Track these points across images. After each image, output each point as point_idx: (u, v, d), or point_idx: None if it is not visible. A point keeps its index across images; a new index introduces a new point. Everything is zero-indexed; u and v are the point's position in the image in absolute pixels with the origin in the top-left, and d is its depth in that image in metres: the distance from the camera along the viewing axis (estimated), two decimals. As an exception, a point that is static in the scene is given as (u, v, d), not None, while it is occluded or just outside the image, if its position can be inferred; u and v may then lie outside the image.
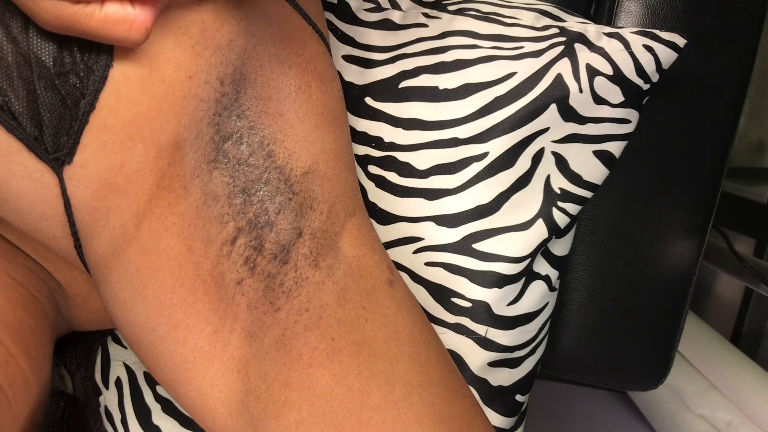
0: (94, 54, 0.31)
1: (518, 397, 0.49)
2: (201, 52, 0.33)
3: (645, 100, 0.46)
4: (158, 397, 0.49)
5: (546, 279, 0.49)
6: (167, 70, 0.32)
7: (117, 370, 0.51)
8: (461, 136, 0.45)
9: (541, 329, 0.50)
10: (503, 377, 0.48)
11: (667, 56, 0.45)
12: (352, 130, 0.47)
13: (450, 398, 0.37)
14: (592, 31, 0.46)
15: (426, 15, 0.48)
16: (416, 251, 0.46)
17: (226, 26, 0.34)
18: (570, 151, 0.46)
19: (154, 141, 0.33)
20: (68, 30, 0.27)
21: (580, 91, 0.44)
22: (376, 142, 0.46)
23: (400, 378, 0.36)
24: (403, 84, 0.46)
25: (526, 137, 0.45)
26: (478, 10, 0.48)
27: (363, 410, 0.34)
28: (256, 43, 0.35)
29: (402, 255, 0.46)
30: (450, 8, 0.49)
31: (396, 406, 0.35)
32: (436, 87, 0.45)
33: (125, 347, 0.52)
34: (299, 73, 0.38)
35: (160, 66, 0.32)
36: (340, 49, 0.48)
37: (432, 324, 0.45)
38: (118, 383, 0.50)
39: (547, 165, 0.46)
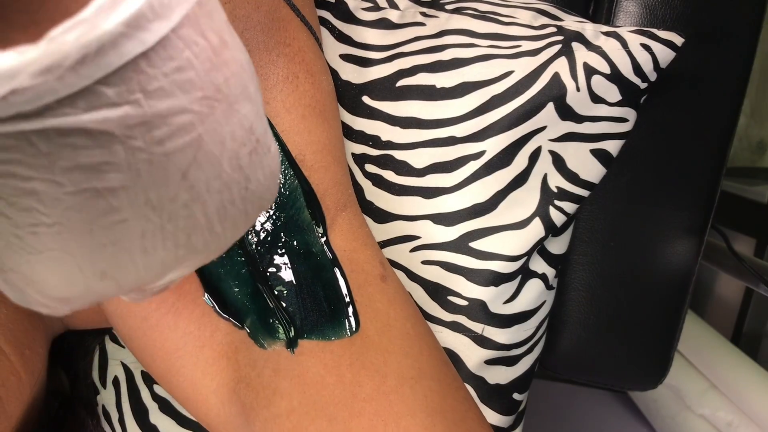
0: None
1: (516, 396, 0.49)
2: None
3: (643, 99, 0.46)
4: (155, 396, 0.49)
5: (542, 277, 0.49)
6: None
7: (114, 369, 0.51)
8: (458, 135, 0.45)
9: (538, 328, 0.50)
10: (500, 375, 0.48)
11: (665, 55, 0.45)
12: (349, 128, 0.47)
13: (443, 391, 0.37)
14: (590, 30, 0.46)
15: (423, 14, 0.48)
16: (413, 250, 0.46)
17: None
18: (567, 150, 0.46)
19: None
20: None
21: (578, 89, 0.44)
22: (373, 141, 0.46)
23: (392, 370, 0.36)
24: (401, 83, 0.46)
25: (523, 136, 0.44)
26: (475, 9, 0.48)
27: (355, 401, 0.34)
28: (243, 28, 0.35)
29: (398, 253, 0.46)
30: (447, 7, 0.49)
31: (388, 397, 0.35)
32: (434, 86, 0.45)
33: (123, 346, 0.52)
34: (287, 63, 0.38)
35: None
36: (338, 48, 0.48)
37: (428, 322, 0.45)
38: (116, 382, 0.50)
39: (544, 163, 0.45)
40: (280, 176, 0.37)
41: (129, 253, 0.17)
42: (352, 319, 0.37)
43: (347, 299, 0.37)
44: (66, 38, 0.13)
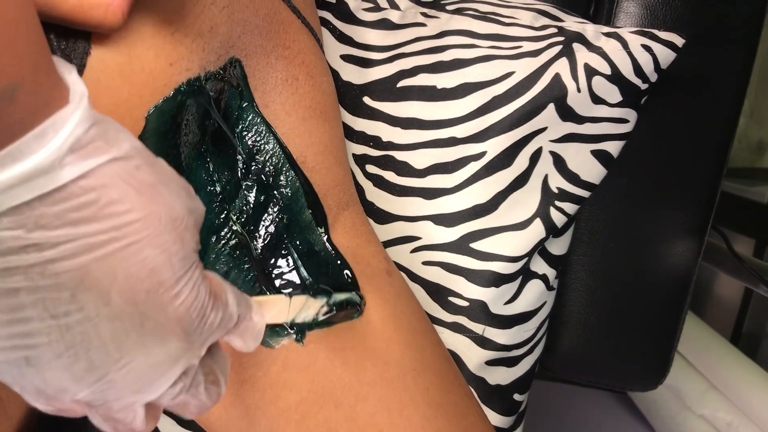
0: (72, 41, 0.29)
1: (516, 396, 0.49)
2: (181, 39, 0.32)
3: (643, 99, 0.46)
4: (156, 397, 0.49)
5: (543, 278, 0.49)
6: (147, 57, 0.31)
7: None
8: (459, 136, 0.45)
9: (539, 328, 0.50)
10: (501, 376, 0.48)
11: (666, 56, 0.45)
12: (350, 129, 0.47)
13: (445, 386, 0.37)
14: (591, 30, 0.46)
15: (424, 14, 0.48)
16: (414, 250, 0.46)
17: (206, 12, 0.33)
18: (568, 151, 0.46)
19: (136, 131, 0.32)
20: (42, 15, 0.26)
21: (578, 90, 0.44)
22: (374, 142, 0.46)
23: (394, 359, 0.36)
24: (402, 83, 0.46)
25: (524, 137, 0.44)
26: (476, 10, 0.48)
27: (360, 385, 0.35)
28: (241, 32, 0.35)
29: (399, 254, 0.46)
30: (448, 8, 0.49)
31: (390, 385, 0.35)
32: (434, 86, 0.45)
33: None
34: (286, 66, 0.38)
35: (140, 53, 0.31)
36: (339, 48, 0.48)
37: (429, 323, 0.45)
38: (116, 383, 0.50)
39: (545, 164, 0.46)
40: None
41: (42, 354, 0.20)
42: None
43: (350, 281, 0.38)
44: None
